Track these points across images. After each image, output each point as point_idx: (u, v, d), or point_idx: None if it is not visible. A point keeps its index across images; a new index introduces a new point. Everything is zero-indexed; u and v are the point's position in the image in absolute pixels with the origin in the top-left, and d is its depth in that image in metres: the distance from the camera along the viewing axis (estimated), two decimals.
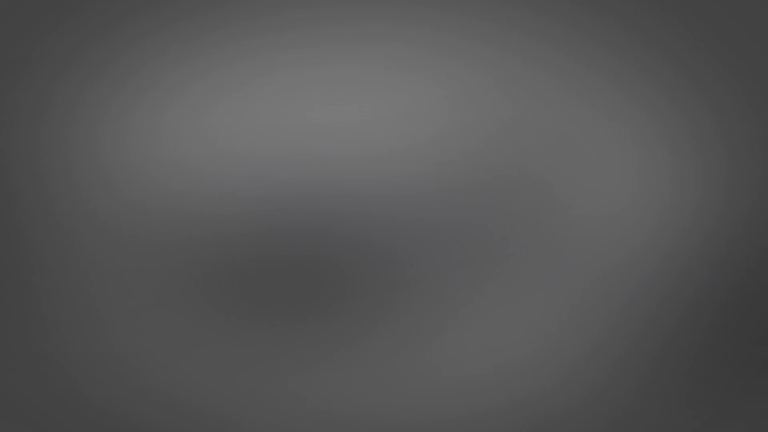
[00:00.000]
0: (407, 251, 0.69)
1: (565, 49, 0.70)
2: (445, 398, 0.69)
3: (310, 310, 0.69)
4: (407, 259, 0.69)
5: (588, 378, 0.70)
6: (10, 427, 0.69)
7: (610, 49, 0.71)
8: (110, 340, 0.69)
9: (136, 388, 0.69)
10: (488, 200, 0.70)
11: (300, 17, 0.70)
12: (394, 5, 0.70)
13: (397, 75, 0.70)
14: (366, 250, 0.69)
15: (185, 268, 0.69)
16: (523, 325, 0.69)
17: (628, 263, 0.70)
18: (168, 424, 0.69)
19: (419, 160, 0.69)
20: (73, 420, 0.69)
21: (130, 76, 0.69)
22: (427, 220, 0.69)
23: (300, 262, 0.69)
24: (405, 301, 0.69)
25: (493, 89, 0.70)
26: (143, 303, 0.69)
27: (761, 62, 0.71)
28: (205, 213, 0.69)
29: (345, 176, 0.69)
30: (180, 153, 0.69)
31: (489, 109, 0.70)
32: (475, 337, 0.69)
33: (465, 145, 0.70)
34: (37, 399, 0.69)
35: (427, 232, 0.69)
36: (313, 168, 0.69)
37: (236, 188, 0.69)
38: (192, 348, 0.69)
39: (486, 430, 0.70)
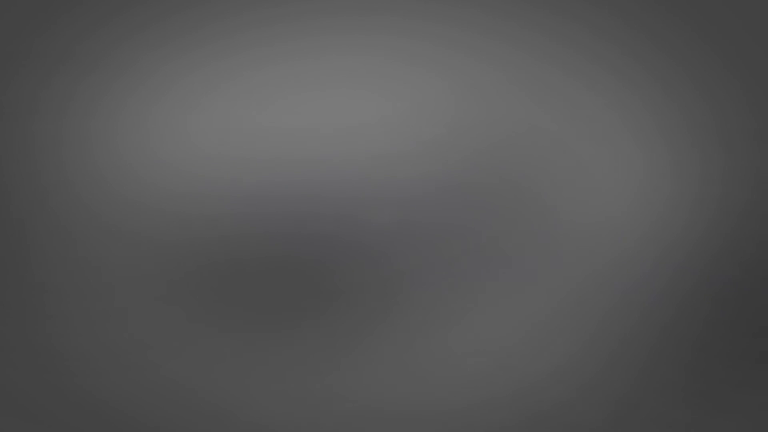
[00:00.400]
0: (405, 251, 0.69)
1: (564, 41, 0.70)
2: (441, 390, 0.69)
3: (309, 311, 0.69)
4: (404, 259, 0.69)
5: (584, 370, 0.70)
6: (10, 421, 0.70)
7: (609, 43, 0.70)
8: (106, 333, 0.69)
9: (133, 381, 0.69)
10: (484, 198, 0.69)
11: (300, 9, 0.70)
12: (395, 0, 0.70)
13: (392, 69, 0.69)
14: (363, 250, 0.69)
15: (183, 265, 0.69)
16: (518, 318, 0.69)
17: (625, 257, 0.70)
18: (167, 416, 0.70)
19: (418, 161, 0.69)
20: (71, 413, 0.70)
21: (122, 73, 0.69)
22: (423, 220, 0.69)
23: (296, 263, 0.69)
24: (402, 297, 0.69)
25: (487, 84, 0.69)
26: (138, 296, 0.69)
27: (758, 57, 0.71)
28: (204, 213, 0.69)
29: (340, 178, 0.69)
30: (173, 150, 0.69)
31: (487, 108, 0.69)
32: (471, 330, 0.69)
33: (462, 147, 0.69)
34: (35, 392, 0.70)
35: (423, 231, 0.69)
36: (305, 170, 0.69)
37: (237, 189, 0.69)
38: (187, 342, 0.69)
39: (482, 421, 0.70)
